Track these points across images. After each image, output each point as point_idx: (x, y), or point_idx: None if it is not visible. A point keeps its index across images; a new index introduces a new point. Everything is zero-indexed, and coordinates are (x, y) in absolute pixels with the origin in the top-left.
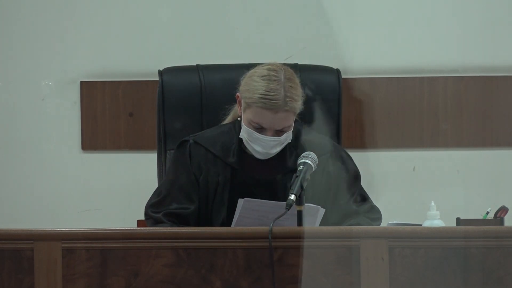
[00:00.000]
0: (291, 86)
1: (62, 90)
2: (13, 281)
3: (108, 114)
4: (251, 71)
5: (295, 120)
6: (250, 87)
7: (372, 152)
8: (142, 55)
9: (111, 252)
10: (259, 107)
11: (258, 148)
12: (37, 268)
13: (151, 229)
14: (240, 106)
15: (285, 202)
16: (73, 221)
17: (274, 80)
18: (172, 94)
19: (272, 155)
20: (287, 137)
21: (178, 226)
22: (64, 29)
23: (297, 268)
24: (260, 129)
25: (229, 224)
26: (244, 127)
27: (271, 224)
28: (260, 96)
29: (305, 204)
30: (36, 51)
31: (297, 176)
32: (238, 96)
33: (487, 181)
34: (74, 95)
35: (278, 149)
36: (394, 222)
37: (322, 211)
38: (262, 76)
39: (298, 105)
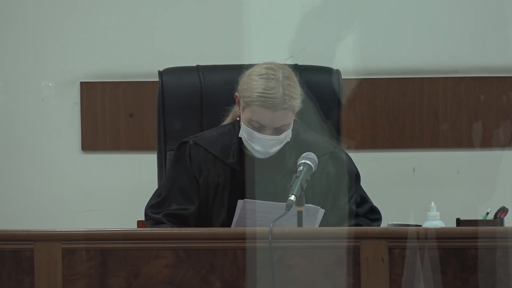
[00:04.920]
0: (289, 84)
1: (62, 91)
2: (13, 282)
3: (108, 114)
4: (249, 71)
5: (295, 121)
6: (249, 86)
7: (372, 152)
8: (142, 56)
9: (111, 253)
10: (258, 105)
11: (258, 148)
12: (37, 269)
13: (151, 230)
14: (239, 106)
15: (285, 203)
16: (73, 222)
17: (272, 79)
18: (172, 95)
19: (272, 154)
20: (286, 135)
21: (178, 226)
22: (64, 30)
23: (297, 268)
24: (259, 128)
25: (229, 225)
26: (243, 126)
27: (271, 225)
28: (259, 94)
29: (305, 204)
30: (36, 52)
31: (297, 177)
32: (236, 96)
33: (487, 182)
34: (74, 96)
35: (277, 147)
36: (394, 222)
37: (321, 211)
38: (260, 74)
39: (297, 103)
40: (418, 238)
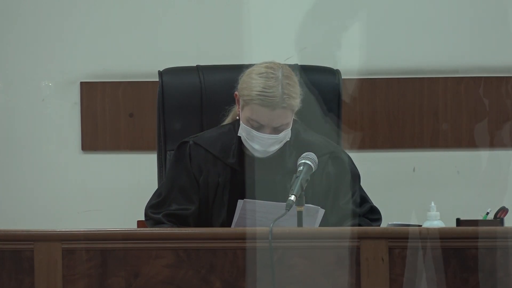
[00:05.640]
0: (288, 84)
1: (62, 91)
2: (13, 282)
3: (108, 114)
4: (249, 70)
5: (295, 121)
6: (248, 84)
7: (372, 152)
8: (142, 56)
9: (111, 253)
10: (257, 104)
11: (256, 146)
12: (37, 269)
13: (151, 230)
14: (239, 105)
15: (285, 203)
16: (73, 222)
17: (272, 77)
18: (172, 95)
19: (271, 153)
20: (285, 135)
21: (178, 226)
22: (64, 30)
23: (297, 268)
24: (258, 127)
25: (229, 225)
26: (242, 125)
27: (271, 225)
28: (258, 93)
29: (305, 204)
30: (36, 52)
31: (297, 177)
32: (236, 95)
33: (487, 181)
34: (74, 96)
35: (276, 147)
36: (394, 222)
37: (321, 211)
38: (260, 73)
39: (296, 103)
40: (418, 238)
